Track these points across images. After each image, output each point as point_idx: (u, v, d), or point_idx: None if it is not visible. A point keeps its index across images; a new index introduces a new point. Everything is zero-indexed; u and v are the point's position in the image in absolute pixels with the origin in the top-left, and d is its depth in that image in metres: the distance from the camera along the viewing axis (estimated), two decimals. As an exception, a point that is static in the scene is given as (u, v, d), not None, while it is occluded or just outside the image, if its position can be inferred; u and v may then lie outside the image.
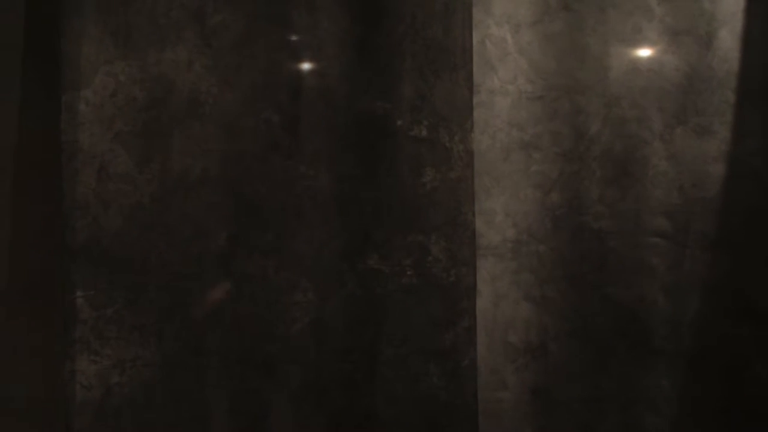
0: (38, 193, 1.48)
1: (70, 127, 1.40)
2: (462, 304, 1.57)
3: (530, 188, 1.80)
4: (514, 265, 1.79)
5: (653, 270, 1.82)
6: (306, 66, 1.52)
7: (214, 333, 1.46)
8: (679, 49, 1.81)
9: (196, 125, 1.45)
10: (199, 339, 1.45)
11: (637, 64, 1.82)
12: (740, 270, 1.81)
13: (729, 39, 1.81)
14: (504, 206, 1.80)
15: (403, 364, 1.54)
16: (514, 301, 1.80)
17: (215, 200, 1.46)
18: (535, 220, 1.81)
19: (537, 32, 1.80)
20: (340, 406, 1.52)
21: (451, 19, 1.57)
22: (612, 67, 1.81)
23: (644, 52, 1.83)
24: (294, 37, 1.52)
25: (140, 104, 1.43)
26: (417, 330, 1.54)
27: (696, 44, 1.81)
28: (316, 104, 1.52)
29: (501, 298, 1.79)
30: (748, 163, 1.81)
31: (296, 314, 1.50)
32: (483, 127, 1.77)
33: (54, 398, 1.43)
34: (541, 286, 1.80)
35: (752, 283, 1.81)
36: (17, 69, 1.49)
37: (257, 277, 1.48)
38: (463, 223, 1.58)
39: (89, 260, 1.40)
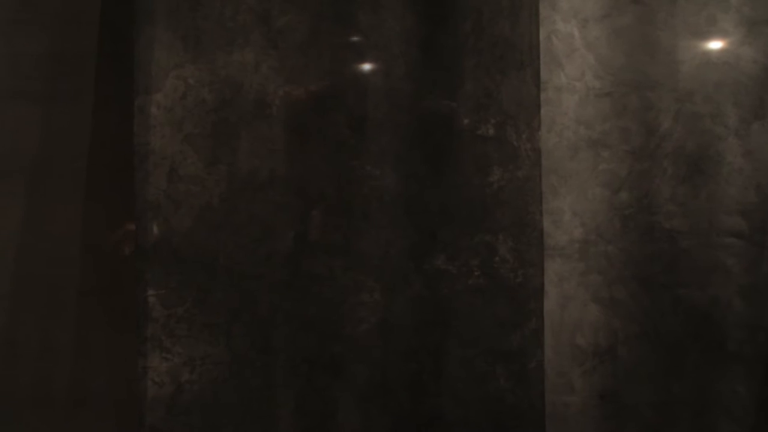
0: (114, 193, 1.53)
1: (142, 129, 1.44)
2: (529, 305, 1.56)
3: (598, 187, 1.77)
4: (582, 266, 1.76)
5: (728, 271, 1.76)
6: (371, 65, 1.53)
7: (281, 332, 1.48)
8: (757, 40, 1.75)
9: (264, 126, 1.48)
10: (267, 338, 1.47)
11: (710, 57, 1.77)
12: (822, 271, 1.74)
13: (814, 28, 1.74)
14: (571, 206, 1.77)
15: (469, 365, 1.53)
16: (582, 303, 1.77)
17: (282, 200, 1.48)
18: (603, 220, 1.77)
19: (605, 27, 1.77)
20: (406, 406, 1.52)
21: (518, 15, 1.56)
22: (684, 60, 1.77)
23: (719, 45, 1.77)
24: (359, 37, 1.53)
25: (209, 106, 1.46)
26: (484, 331, 1.53)
27: (776, 35, 1.75)
28: (381, 104, 1.52)
29: (568, 300, 1.77)
30: (832, 159, 1.74)
31: (363, 314, 1.51)
32: (550, 125, 1.75)
33: (128, 394, 1.48)
34: (610, 288, 1.77)
35: (837, 286, 1.73)
36: (93, 74, 1.55)
37: (324, 277, 1.49)
38: (531, 222, 1.56)
39: (160, 260, 1.43)
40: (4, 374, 1.51)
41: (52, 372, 1.54)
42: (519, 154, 1.55)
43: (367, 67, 1.53)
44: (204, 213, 1.45)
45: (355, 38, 1.53)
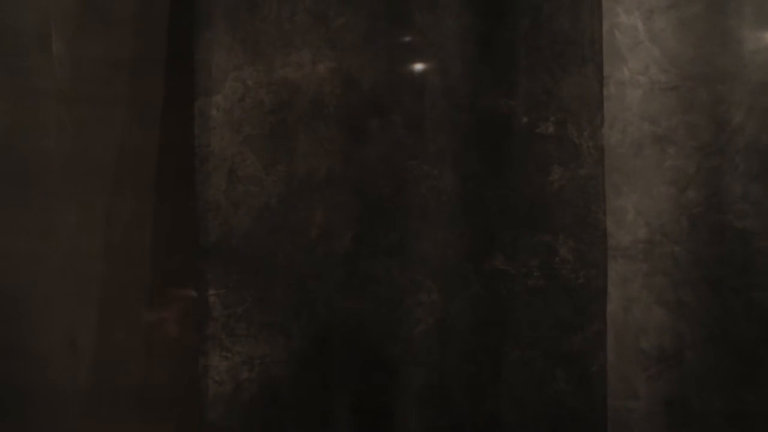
0: (177, 195, 1.63)
1: (202, 131, 1.53)
2: (591, 306, 1.58)
3: (664, 185, 1.78)
4: (646, 267, 1.77)
5: (806, 273, 1.74)
6: (428, 64, 1.58)
7: (339, 332, 1.54)
8: (836, 29, 1.72)
9: (321, 127, 1.55)
10: (325, 338, 1.54)
11: (786, 48, 1.75)
12: None
13: None
14: (635, 204, 1.78)
15: (528, 368, 1.56)
16: (646, 306, 1.77)
17: (340, 200, 1.55)
18: (669, 219, 1.77)
19: (671, 17, 1.77)
20: (463, 408, 1.56)
21: (579, 9, 1.58)
22: (758, 50, 1.75)
23: (795, 34, 1.75)
24: (416, 36, 1.58)
25: (267, 107, 1.54)
26: (543, 333, 1.56)
27: None
28: (439, 103, 1.57)
29: (632, 302, 1.78)
30: None
31: (420, 315, 1.56)
32: (612, 122, 1.76)
33: (190, 392, 1.57)
34: (676, 290, 1.77)
35: None
36: (154, 77, 1.65)
37: (381, 277, 1.55)
38: (593, 222, 1.58)
39: (221, 260, 1.51)
40: (70, 373, 1.62)
41: (117, 371, 1.64)
42: (580, 152, 1.58)
43: (423, 66, 1.58)
44: (263, 213, 1.53)
45: (411, 37, 1.58)
